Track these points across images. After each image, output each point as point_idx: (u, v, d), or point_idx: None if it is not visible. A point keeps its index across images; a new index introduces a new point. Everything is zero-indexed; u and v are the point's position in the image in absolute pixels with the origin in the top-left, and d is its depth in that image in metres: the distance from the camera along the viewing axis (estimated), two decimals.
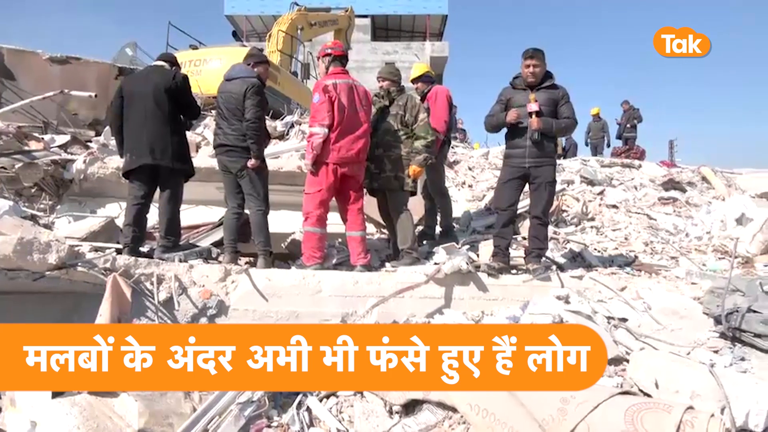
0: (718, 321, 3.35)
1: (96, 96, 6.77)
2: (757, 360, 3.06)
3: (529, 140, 4.27)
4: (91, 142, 6.64)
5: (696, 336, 3.41)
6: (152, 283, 3.73)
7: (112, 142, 5.32)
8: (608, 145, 13.65)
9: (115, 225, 4.88)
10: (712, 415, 2.27)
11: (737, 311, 3.19)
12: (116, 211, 5.72)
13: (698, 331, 3.48)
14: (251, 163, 4.28)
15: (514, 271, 4.53)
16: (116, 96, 4.30)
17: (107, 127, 6.06)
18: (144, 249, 4.41)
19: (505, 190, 4.56)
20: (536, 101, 4.24)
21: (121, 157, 4.32)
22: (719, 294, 3.44)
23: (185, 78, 4.35)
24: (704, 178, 8.90)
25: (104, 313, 3.12)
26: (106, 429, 2.55)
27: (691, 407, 2.36)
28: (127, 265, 3.73)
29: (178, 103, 4.29)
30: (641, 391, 2.81)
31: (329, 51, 4.40)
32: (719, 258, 5.46)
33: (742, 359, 3.05)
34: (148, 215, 4.31)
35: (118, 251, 4.07)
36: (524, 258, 4.57)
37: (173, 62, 4.50)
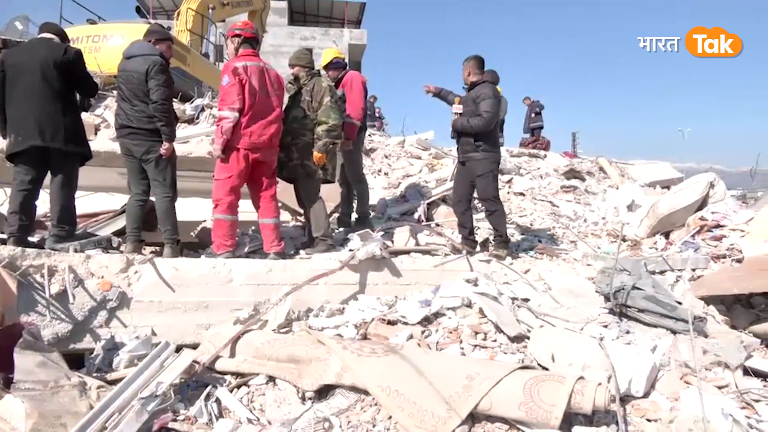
0: (607, 298, 3.65)
1: None
2: (640, 332, 3.38)
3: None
4: None
5: (589, 312, 3.70)
6: (42, 276, 3.44)
7: None
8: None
9: None
10: (599, 384, 2.48)
11: (623, 289, 3.50)
12: (0, 197, 5.21)
13: (591, 308, 3.77)
14: (165, 147, 4.05)
15: (427, 256, 4.64)
16: None
17: None
18: (34, 239, 4.05)
19: (456, 183, 5.15)
20: (460, 104, 4.81)
21: (4, 138, 3.91)
22: (609, 274, 3.74)
23: (78, 52, 3.99)
24: (601, 168, 9.61)
25: None
26: None
27: (581, 377, 2.56)
28: (12, 257, 3.40)
29: (71, 79, 3.94)
30: (540, 365, 3.01)
31: (239, 32, 4.21)
32: (612, 241, 5.93)
33: (628, 332, 3.36)
34: (37, 202, 3.95)
35: (2, 241, 3.71)
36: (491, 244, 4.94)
37: (62, 35, 4.10)
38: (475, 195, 5.06)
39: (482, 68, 4.79)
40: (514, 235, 5.90)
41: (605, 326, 3.46)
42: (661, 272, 4.55)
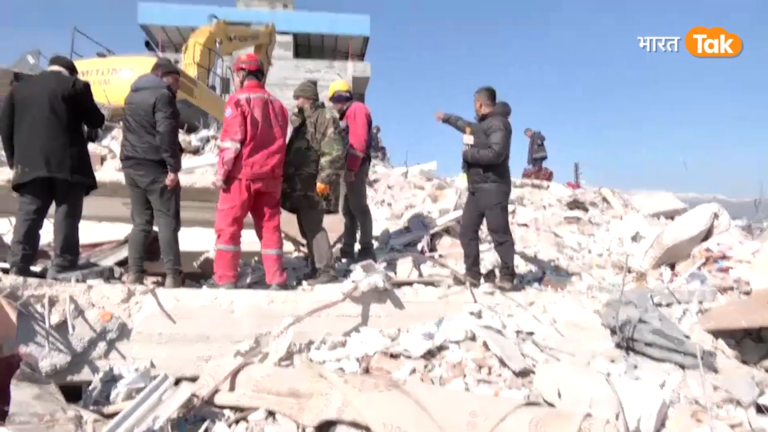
0: (613, 332, 3.59)
1: None
2: (648, 367, 3.30)
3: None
4: None
5: (595, 347, 3.63)
6: (43, 306, 3.42)
7: (3, 153, 4.87)
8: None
9: (2, 242, 4.45)
10: (607, 422, 2.41)
11: (630, 322, 3.44)
12: (5, 227, 5.23)
13: (597, 341, 3.70)
14: (171, 178, 4.09)
15: (430, 287, 4.59)
16: (7, 102, 3.92)
17: None
18: (36, 269, 4.04)
19: (464, 212, 5.14)
20: (470, 134, 4.81)
21: (11, 168, 3.96)
22: (614, 306, 3.68)
23: (86, 85, 4.07)
24: (604, 199, 9.59)
25: None
26: None
27: (589, 414, 2.49)
28: (14, 286, 3.39)
29: (79, 111, 4.01)
30: (545, 401, 2.94)
31: (243, 66, 4.30)
32: (617, 273, 5.87)
33: (635, 367, 3.28)
34: (41, 231, 3.96)
35: (5, 271, 3.70)
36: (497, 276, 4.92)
37: (71, 68, 4.19)
38: (484, 226, 5.03)
39: (493, 100, 4.82)
40: (518, 267, 5.85)
41: (612, 361, 3.38)
42: (668, 305, 4.48)
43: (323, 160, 4.45)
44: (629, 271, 5.84)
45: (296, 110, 4.74)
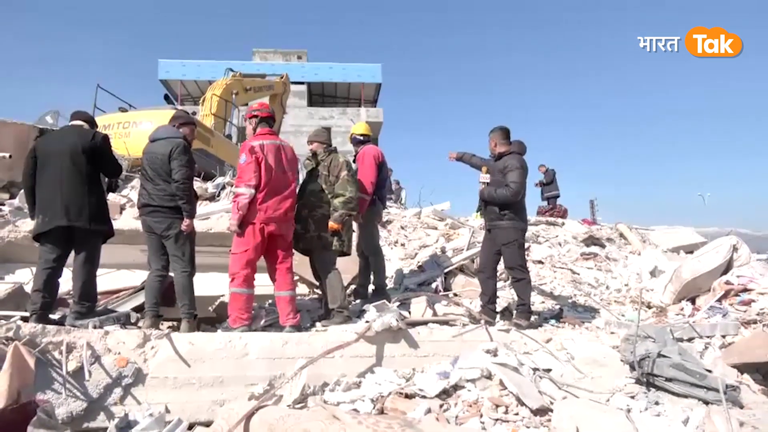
0: (632, 367, 3.51)
1: (11, 157, 6.46)
2: (670, 403, 3.21)
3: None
4: (3, 204, 6.27)
5: (614, 383, 3.54)
6: (61, 353, 3.46)
7: (26, 204, 5.05)
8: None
9: (23, 291, 4.55)
10: None
11: (649, 357, 3.36)
12: (27, 276, 5.36)
13: (617, 377, 3.62)
14: (186, 224, 4.19)
15: (445, 327, 4.56)
16: (29, 155, 4.11)
17: (23, 190, 5.77)
18: (55, 316, 4.12)
19: (481, 250, 5.15)
20: (487, 173, 4.87)
21: (32, 219, 4.10)
22: (632, 341, 3.61)
23: (105, 137, 4.25)
24: (621, 235, 9.50)
25: (1, 386, 2.85)
26: None
27: None
28: (33, 334, 3.45)
29: (98, 162, 4.17)
30: None
31: (256, 113, 4.47)
32: (636, 308, 5.76)
33: (657, 403, 3.19)
34: (60, 280, 4.06)
35: (24, 319, 3.77)
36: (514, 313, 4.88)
37: (91, 122, 4.39)
38: (501, 264, 5.00)
39: (508, 139, 4.87)
40: (534, 303, 5.78)
41: (632, 397, 3.30)
42: (689, 339, 4.38)
43: (337, 201, 4.55)
44: (649, 307, 5.75)
45: (310, 155, 4.87)
